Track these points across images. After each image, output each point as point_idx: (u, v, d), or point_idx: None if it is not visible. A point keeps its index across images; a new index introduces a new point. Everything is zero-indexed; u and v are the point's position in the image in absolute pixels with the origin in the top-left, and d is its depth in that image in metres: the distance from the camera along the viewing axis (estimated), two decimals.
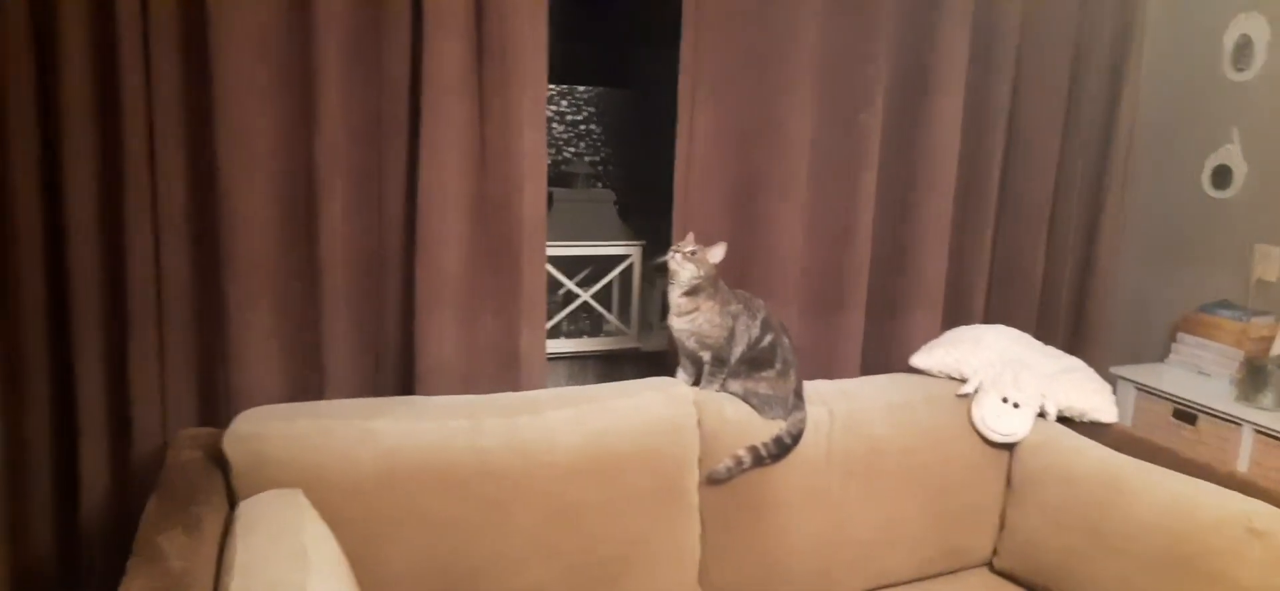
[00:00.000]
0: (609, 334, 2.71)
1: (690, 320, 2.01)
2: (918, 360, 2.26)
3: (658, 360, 2.70)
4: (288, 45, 1.89)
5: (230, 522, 1.45)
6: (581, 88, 3.18)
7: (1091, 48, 2.62)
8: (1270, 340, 2.66)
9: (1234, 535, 1.63)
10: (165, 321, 1.90)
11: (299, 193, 1.96)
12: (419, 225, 2.02)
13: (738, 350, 2.02)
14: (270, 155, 1.92)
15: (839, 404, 2.09)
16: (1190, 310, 2.86)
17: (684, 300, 2.01)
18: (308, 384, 2.02)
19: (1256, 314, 2.69)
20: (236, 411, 1.75)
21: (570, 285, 2.65)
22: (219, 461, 1.64)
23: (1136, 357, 2.97)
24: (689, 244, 2.03)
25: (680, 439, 1.92)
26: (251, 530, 1.38)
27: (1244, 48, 2.80)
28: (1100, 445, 1.99)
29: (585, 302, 2.67)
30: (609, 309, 2.73)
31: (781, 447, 1.96)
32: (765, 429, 1.98)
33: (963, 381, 2.18)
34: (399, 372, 2.12)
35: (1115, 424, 2.12)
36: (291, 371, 2.02)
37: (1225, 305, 2.80)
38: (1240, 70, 2.81)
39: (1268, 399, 2.44)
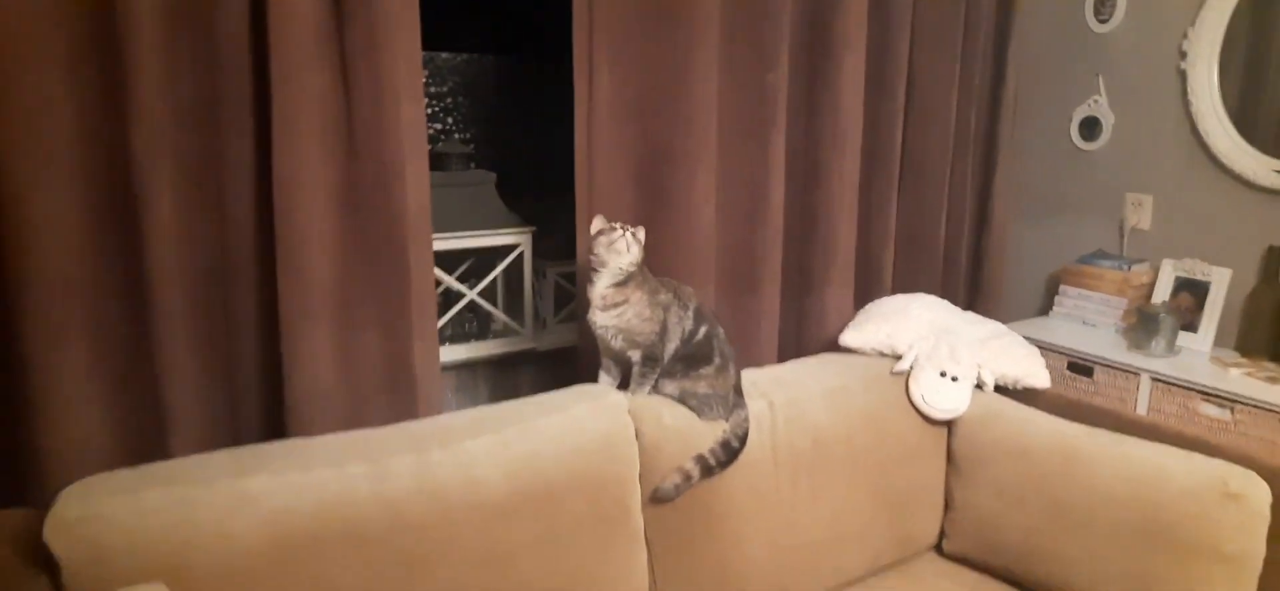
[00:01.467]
0: (498, 335, 2.40)
1: (617, 315, 1.75)
2: (848, 338, 2.11)
3: (558, 361, 2.42)
4: (89, 4, 1.45)
5: None
6: (444, 54, 2.82)
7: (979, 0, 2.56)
8: (1150, 286, 2.74)
9: (1210, 500, 1.58)
10: None
11: (114, 192, 1.53)
12: (278, 223, 1.64)
13: (671, 346, 1.79)
14: (71, 145, 1.48)
15: (776, 394, 1.90)
16: (1067, 262, 2.91)
17: (611, 291, 1.74)
18: (145, 433, 1.60)
19: (1134, 262, 2.76)
20: (54, 483, 1.34)
21: (451, 282, 2.32)
22: (41, 558, 1.22)
23: (1019, 313, 3.00)
24: (612, 225, 1.77)
25: (618, 455, 1.67)
26: None
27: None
28: (1048, 415, 1.91)
29: (470, 302, 2.34)
30: (496, 306, 2.42)
31: (730, 453, 1.75)
32: (708, 432, 1.76)
33: (896, 358, 2.06)
34: (263, 406, 1.74)
35: (1048, 389, 2.06)
36: (122, 419, 1.59)
37: (1101, 255, 2.86)
38: (1103, 21, 2.86)
39: (1159, 345, 2.49)
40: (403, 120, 1.73)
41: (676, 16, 2.02)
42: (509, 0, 2.68)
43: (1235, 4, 2.53)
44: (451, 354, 2.27)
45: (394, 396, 1.81)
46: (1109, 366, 2.53)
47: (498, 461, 1.55)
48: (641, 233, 1.77)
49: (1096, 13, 2.86)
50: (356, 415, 1.75)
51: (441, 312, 2.28)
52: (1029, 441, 1.87)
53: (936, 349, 2.02)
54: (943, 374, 2.00)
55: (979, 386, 2.04)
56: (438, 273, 2.20)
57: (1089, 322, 2.79)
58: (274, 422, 1.73)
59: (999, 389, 2.05)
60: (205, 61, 1.59)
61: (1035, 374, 2.05)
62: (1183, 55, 2.64)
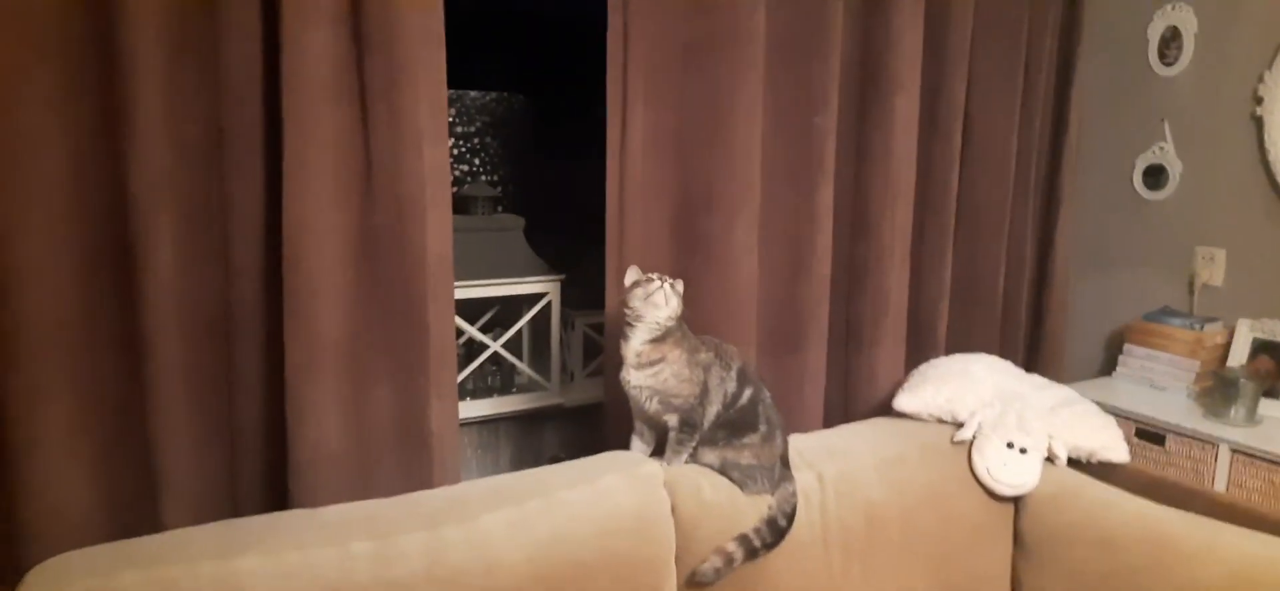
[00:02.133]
0: (523, 389, 2.25)
1: (653, 374, 1.59)
2: (903, 402, 1.94)
3: (586, 419, 2.26)
4: (83, 31, 1.34)
5: None
6: (473, 93, 2.70)
7: (1041, 39, 2.40)
8: (1224, 347, 2.53)
9: None
10: None
11: (110, 235, 1.41)
12: (286, 272, 1.51)
13: (712, 410, 1.62)
14: (63, 184, 1.36)
15: (826, 465, 1.73)
16: (1131, 320, 2.71)
17: (647, 348, 1.59)
18: (134, 500, 1.47)
19: (1206, 320, 2.56)
20: (32, 555, 1.22)
21: (473, 332, 2.17)
22: None
23: (1077, 374, 2.80)
24: (649, 276, 1.62)
25: (653, 535, 1.50)
26: None
27: (1171, 40, 2.67)
28: (1133, 495, 1.71)
29: (494, 355, 2.19)
30: (521, 359, 2.27)
31: (776, 532, 1.57)
32: (752, 508, 1.59)
33: (957, 425, 1.87)
34: (266, 469, 1.60)
35: (1127, 463, 1.87)
36: (111, 484, 1.46)
37: (1169, 312, 2.66)
38: (1168, 64, 2.68)
39: (1239, 413, 2.28)
40: (425, 164, 1.60)
41: (718, 52, 1.88)
42: (540, 35, 2.56)
43: None
44: (472, 409, 2.12)
45: (407, 458, 1.66)
46: (1183, 435, 2.32)
47: (518, 541, 1.39)
48: (680, 285, 1.62)
49: (1161, 55, 2.69)
50: (366, 480, 1.61)
51: (463, 365, 2.14)
52: (1112, 526, 1.67)
53: (1003, 416, 1.84)
54: (1010, 445, 1.81)
55: (1049, 459, 1.85)
56: (459, 322, 2.06)
57: (1157, 386, 2.58)
58: (277, 488, 1.59)
59: (1072, 463, 1.86)
60: (211, 95, 1.48)
61: (1113, 447, 1.85)
62: (1259, 100, 2.46)
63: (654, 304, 1.58)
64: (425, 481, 1.66)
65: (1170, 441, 2.35)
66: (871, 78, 2.13)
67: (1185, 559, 1.55)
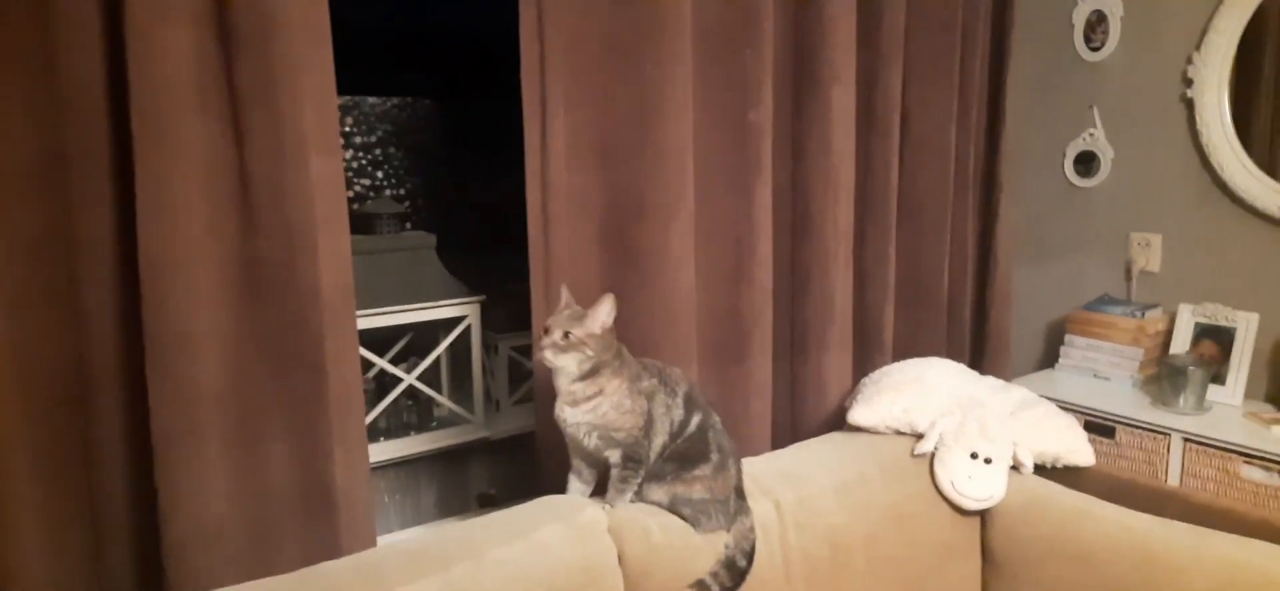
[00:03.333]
0: (444, 424, 2.03)
1: (591, 410, 1.40)
2: (858, 416, 1.80)
3: (515, 450, 2.06)
4: None
5: None
6: (372, 98, 2.46)
7: (974, 25, 2.31)
8: (1166, 333, 2.49)
9: None
10: None
11: None
12: (146, 316, 1.27)
13: (658, 442, 1.45)
14: None
15: (783, 492, 1.57)
16: (1070, 310, 2.65)
17: (579, 386, 1.40)
18: None
19: (1147, 307, 2.51)
20: None
21: (384, 365, 1.95)
22: None
23: (1019, 368, 2.73)
24: (563, 312, 1.43)
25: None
26: None
27: (1097, 24, 2.62)
28: (1108, 503, 1.60)
29: (408, 389, 1.97)
30: (440, 390, 2.05)
31: (736, 575, 1.41)
32: (707, 547, 1.42)
33: (916, 436, 1.74)
34: (136, 552, 1.35)
35: (1092, 466, 1.77)
36: None
37: (1108, 300, 2.60)
38: (1094, 49, 2.63)
39: (1188, 401, 2.23)
40: (313, 179, 1.38)
41: (642, 46, 1.72)
42: (448, 36, 2.34)
43: (1245, 25, 2.32)
44: (387, 451, 1.90)
45: (310, 523, 1.44)
46: (1134, 426, 2.25)
47: None
48: (590, 318, 1.42)
49: (1087, 40, 2.64)
50: (261, 554, 1.38)
51: (374, 402, 1.91)
52: (1089, 539, 1.55)
53: (964, 425, 1.71)
54: (974, 455, 1.69)
55: (1014, 468, 1.73)
56: (366, 354, 1.84)
57: (1101, 375, 2.52)
58: (152, 572, 1.34)
59: (1039, 469, 1.75)
60: (46, 112, 1.23)
61: (1077, 450, 1.75)
62: (1188, 82, 2.42)
63: (556, 368, 1.40)
64: (333, 545, 1.44)
65: (1120, 433, 2.28)
66: (806, 69, 2.00)
67: (1171, 571, 1.44)
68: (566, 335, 1.38)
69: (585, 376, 1.40)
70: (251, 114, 1.32)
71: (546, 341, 1.40)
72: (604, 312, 1.43)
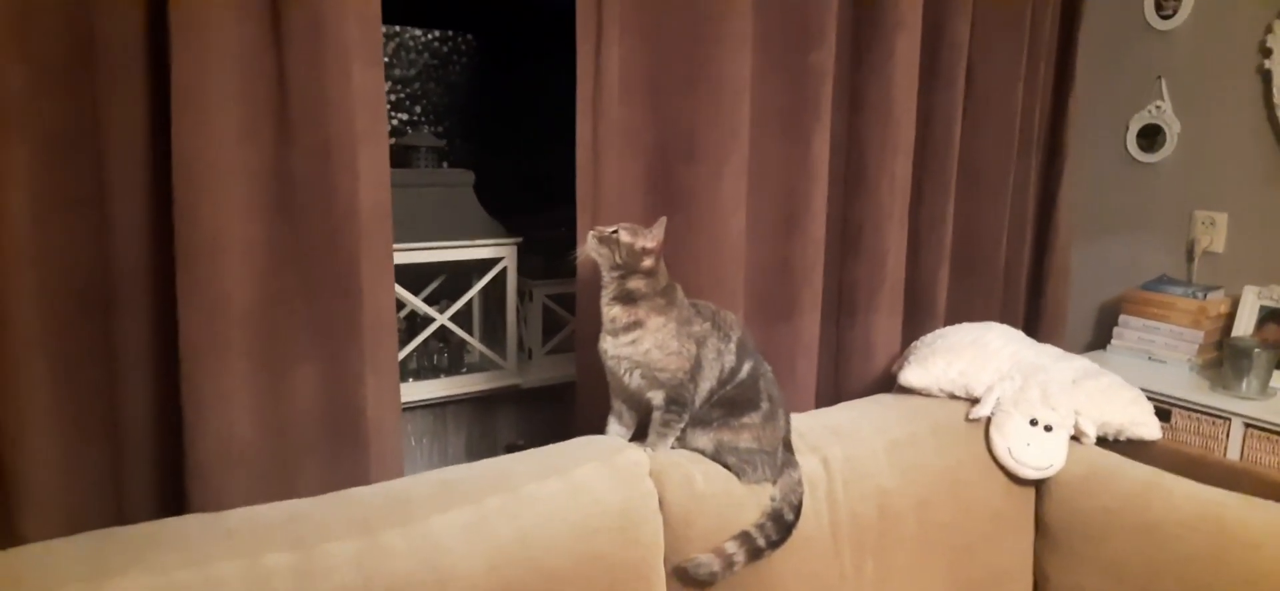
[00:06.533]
0: (475, 369, 1.96)
1: (632, 343, 1.33)
2: (911, 376, 1.71)
3: (547, 401, 2.00)
4: None
5: None
6: (414, 30, 2.38)
7: None
8: (1229, 316, 2.38)
9: None
10: None
11: None
12: (178, 223, 1.20)
13: (705, 386, 1.37)
14: None
15: (831, 448, 1.49)
16: (1126, 290, 2.54)
17: (620, 310, 1.33)
18: None
19: (1208, 289, 2.40)
20: None
21: (417, 303, 1.88)
22: None
23: (1069, 347, 2.61)
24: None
25: (638, 535, 1.25)
26: None
27: None
28: (1180, 477, 1.50)
29: (440, 329, 1.90)
30: (472, 334, 1.98)
31: (783, 528, 1.33)
32: (752, 500, 1.34)
33: (971, 401, 1.66)
34: (159, 472, 1.30)
35: (1158, 441, 1.67)
36: None
37: (1167, 280, 2.49)
38: (1166, 17, 2.51)
39: (1252, 385, 2.12)
40: (355, 90, 1.31)
41: None
42: None
43: None
44: (416, 392, 1.83)
45: (338, 451, 1.38)
46: (1191, 409, 2.15)
47: (477, 547, 1.12)
48: (657, 227, 1.37)
49: (1158, 7, 2.52)
50: (286, 479, 1.32)
51: (404, 341, 1.84)
52: (1158, 512, 1.46)
53: (1024, 391, 1.62)
54: (1033, 422, 1.60)
55: (1075, 438, 1.64)
56: (400, 292, 1.77)
57: (1157, 358, 2.42)
58: (174, 493, 1.29)
59: (1101, 441, 1.65)
60: None
61: (1144, 422, 1.66)
62: (1267, 52, 2.30)
63: (598, 258, 1.37)
64: (361, 476, 1.38)
65: (1176, 416, 2.18)
66: (868, 14, 1.89)
67: (1245, 546, 1.35)
68: (615, 232, 1.33)
69: (622, 302, 1.32)
70: (293, 14, 1.25)
71: (592, 232, 1.37)
72: (654, 231, 1.37)
